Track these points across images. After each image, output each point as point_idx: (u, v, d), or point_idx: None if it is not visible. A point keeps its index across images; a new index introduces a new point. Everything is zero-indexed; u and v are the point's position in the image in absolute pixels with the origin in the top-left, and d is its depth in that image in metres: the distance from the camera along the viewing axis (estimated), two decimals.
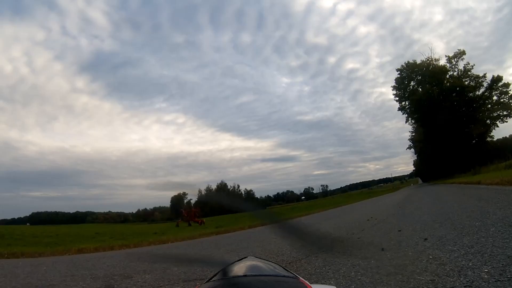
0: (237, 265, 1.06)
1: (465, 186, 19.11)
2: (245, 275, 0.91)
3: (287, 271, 1.05)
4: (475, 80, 50.83)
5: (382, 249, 4.28)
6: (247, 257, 1.21)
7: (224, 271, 0.99)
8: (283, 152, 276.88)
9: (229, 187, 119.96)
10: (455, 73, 53.65)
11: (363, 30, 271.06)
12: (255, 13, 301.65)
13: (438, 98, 51.73)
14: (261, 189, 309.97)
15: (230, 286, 0.84)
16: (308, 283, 0.86)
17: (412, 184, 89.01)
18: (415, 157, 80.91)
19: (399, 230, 5.84)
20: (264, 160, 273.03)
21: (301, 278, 0.93)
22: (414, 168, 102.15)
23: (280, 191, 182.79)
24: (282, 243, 5.92)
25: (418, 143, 62.29)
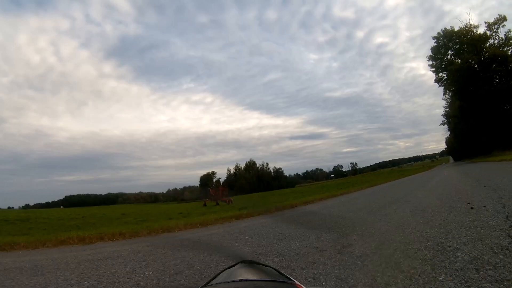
0: (233, 269, 0.97)
1: None
2: (240, 280, 0.84)
3: (283, 275, 0.94)
4: None
5: None
6: (242, 261, 1.06)
7: (218, 276, 0.92)
8: (311, 129, 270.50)
9: (258, 165, 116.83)
10: (495, 42, 46.69)
11: (391, 2, 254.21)
12: None
13: (477, 69, 45.22)
14: (290, 167, 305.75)
15: None
16: (304, 287, 0.79)
17: (443, 163, 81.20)
18: (447, 134, 74.31)
19: None
20: (292, 137, 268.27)
21: (297, 282, 0.84)
22: (446, 146, 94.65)
23: (309, 169, 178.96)
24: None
25: (453, 118, 55.88)
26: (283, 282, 0.83)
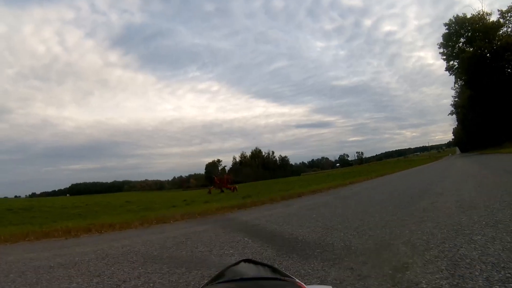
0: (233, 268, 0.87)
1: None
2: (241, 279, 0.75)
3: (284, 273, 0.81)
4: None
5: None
6: (243, 259, 0.91)
7: (220, 275, 0.81)
8: (318, 118, 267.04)
9: (263, 153, 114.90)
10: (508, 30, 44.09)
11: None
12: None
13: (489, 58, 42.80)
14: (296, 156, 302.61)
15: None
16: (304, 285, 0.70)
17: (450, 154, 78.49)
18: (455, 125, 71.99)
19: None
20: (299, 126, 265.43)
21: (297, 280, 0.74)
22: (453, 137, 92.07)
23: (315, 158, 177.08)
24: None
25: (462, 108, 53.60)
26: (284, 280, 0.74)
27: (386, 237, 3.09)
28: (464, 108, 52.11)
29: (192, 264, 2.83)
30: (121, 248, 4.02)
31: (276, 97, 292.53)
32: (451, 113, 59.99)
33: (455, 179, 9.58)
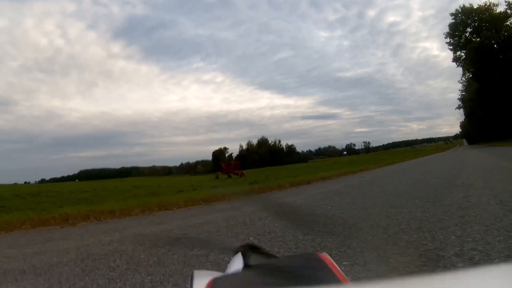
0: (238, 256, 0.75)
1: None
2: (275, 256, 0.68)
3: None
4: None
5: None
6: (243, 250, 0.76)
7: (239, 260, 0.68)
8: (323, 110, 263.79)
9: (270, 142, 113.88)
10: None
11: None
12: None
13: (496, 49, 40.95)
14: (303, 144, 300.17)
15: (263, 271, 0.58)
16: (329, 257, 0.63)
17: (458, 146, 77.02)
18: (462, 119, 70.09)
19: None
20: (304, 117, 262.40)
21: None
22: (460, 130, 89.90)
23: (322, 146, 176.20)
24: None
25: (469, 102, 51.78)
26: (307, 255, 0.71)
27: (430, 245, 2.39)
28: (472, 102, 50.39)
29: (181, 276, 2.20)
30: (108, 245, 3.42)
31: (280, 89, 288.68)
32: (459, 107, 58.27)
33: (476, 169, 8.82)
